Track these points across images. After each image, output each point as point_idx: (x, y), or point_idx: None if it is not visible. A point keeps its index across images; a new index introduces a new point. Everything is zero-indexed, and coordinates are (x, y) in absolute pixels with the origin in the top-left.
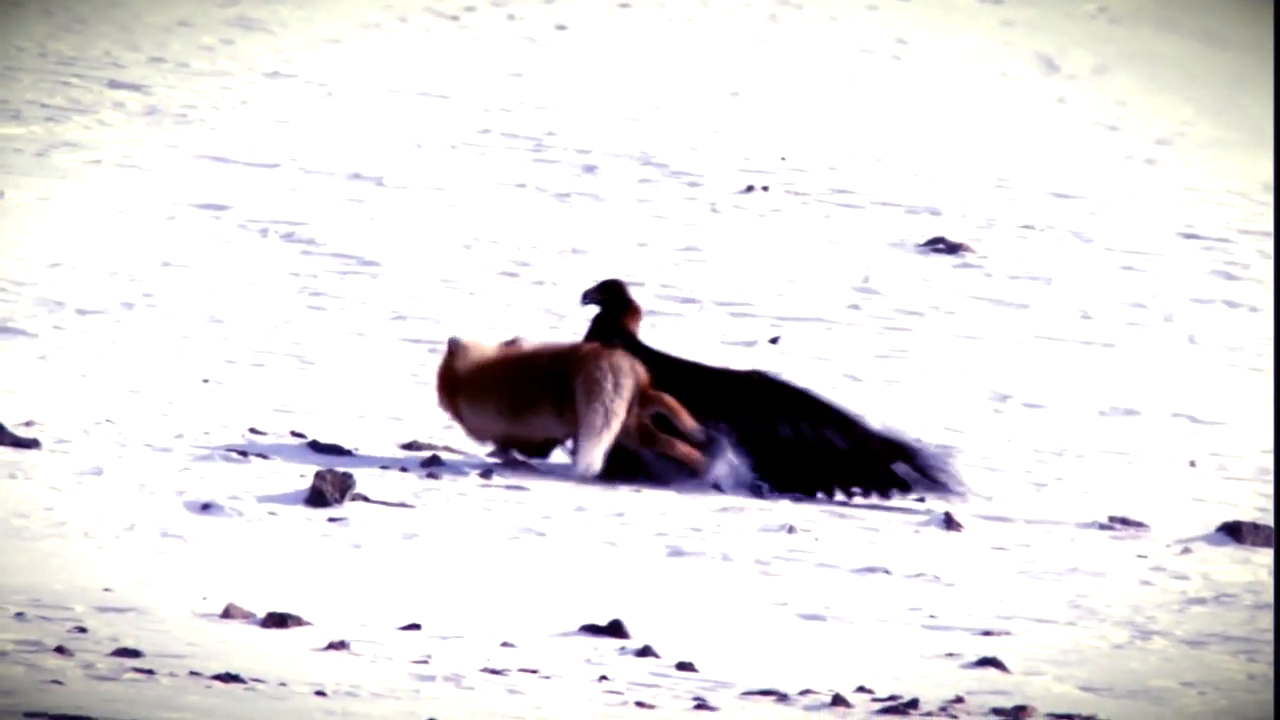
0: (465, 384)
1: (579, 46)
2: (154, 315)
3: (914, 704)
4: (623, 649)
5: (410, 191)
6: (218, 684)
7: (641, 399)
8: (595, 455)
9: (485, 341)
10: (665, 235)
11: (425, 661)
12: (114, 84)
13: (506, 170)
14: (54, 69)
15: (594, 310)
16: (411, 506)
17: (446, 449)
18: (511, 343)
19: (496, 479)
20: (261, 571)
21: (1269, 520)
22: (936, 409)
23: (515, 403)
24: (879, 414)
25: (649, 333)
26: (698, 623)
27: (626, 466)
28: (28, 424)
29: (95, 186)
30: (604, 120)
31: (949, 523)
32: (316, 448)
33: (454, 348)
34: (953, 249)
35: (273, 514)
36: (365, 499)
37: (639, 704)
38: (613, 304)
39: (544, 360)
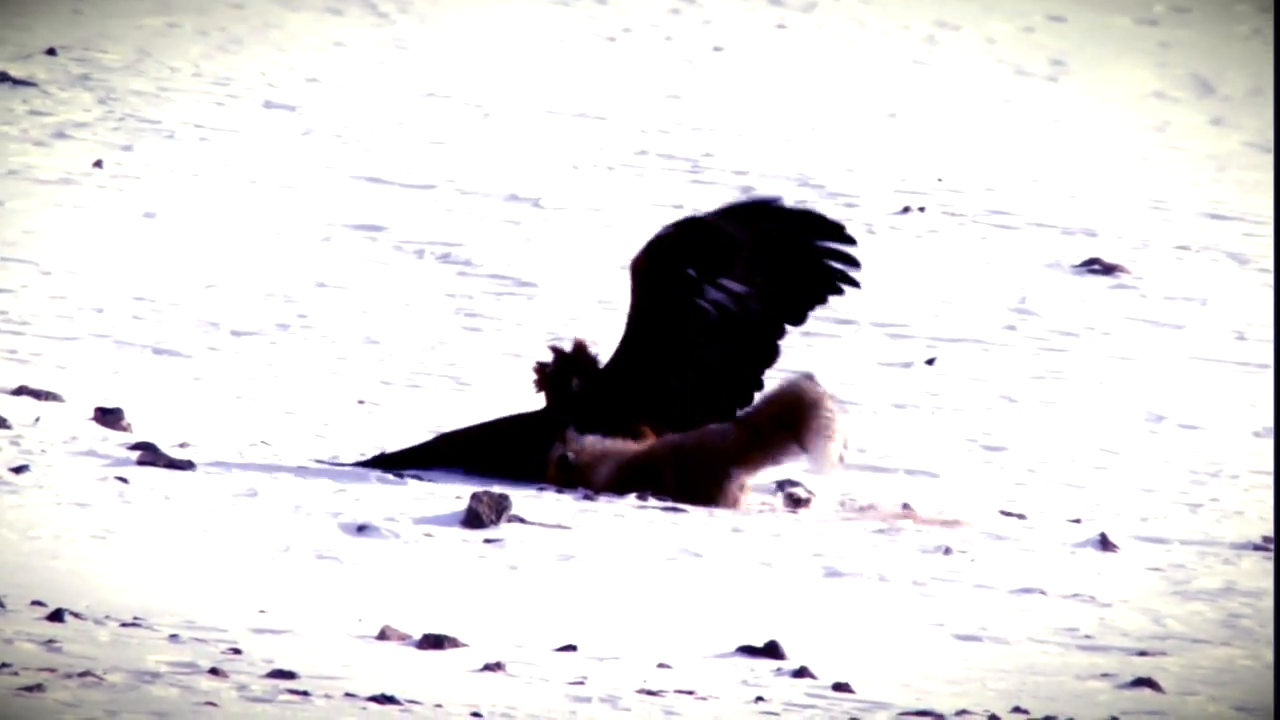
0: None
1: (736, 68)
2: (309, 336)
3: None
4: (779, 670)
5: (567, 213)
6: (373, 705)
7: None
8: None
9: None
10: None
11: (581, 683)
12: (269, 105)
13: (663, 191)
14: (208, 89)
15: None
16: (568, 528)
17: None
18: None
19: (653, 500)
20: (417, 593)
21: None
22: (1092, 430)
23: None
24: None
25: (806, 353)
26: (854, 643)
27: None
28: (182, 445)
29: (250, 207)
30: (761, 141)
31: (1104, 543)
32: (472, 469)
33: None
34: (1108, 270)
35: (429, 535)
36: (521, 520)
37: None
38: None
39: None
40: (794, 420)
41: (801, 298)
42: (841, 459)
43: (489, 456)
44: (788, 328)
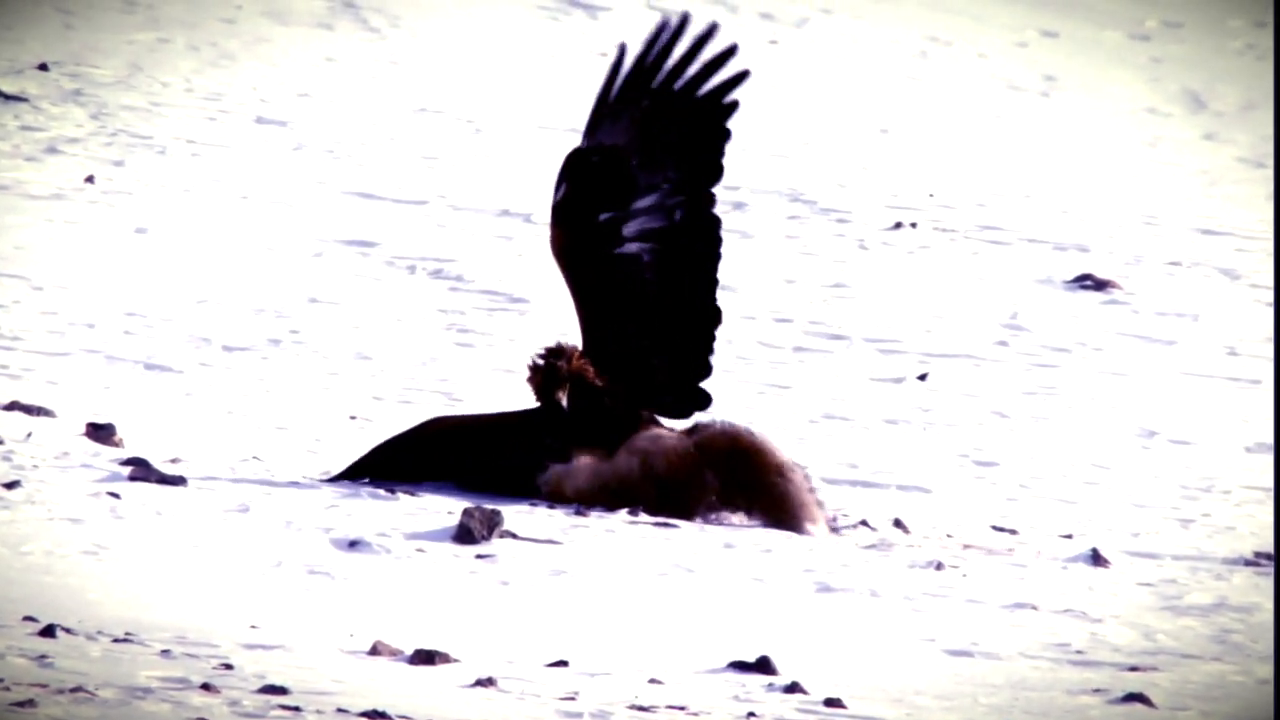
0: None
1: None
2: (301, 352)
3: None
4: (770, 685)
5: None
6: None
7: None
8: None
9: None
10: (813, 272)
11: (573, 698)
12: (261, 120)
13: None
14: (200, 105)
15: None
16: (559, 543)
17: None
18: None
19: (644, 516)
20: (409, 608)
21: None
22: (1084, 445)
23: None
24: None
25: (798, 368)
26: (846, 659)
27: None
28: (174, 461)
29: (242, 223)
30: (752, 157)
31: (1096, 558)
32: (464, 485)
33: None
34: (1100, 285)
35: (420, 551)
36: (513, 536)
37: None
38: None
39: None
40: (769, 506)
41: (707, 152)
42: (827, 528)
43: (475, 455)
44: (714, 193)
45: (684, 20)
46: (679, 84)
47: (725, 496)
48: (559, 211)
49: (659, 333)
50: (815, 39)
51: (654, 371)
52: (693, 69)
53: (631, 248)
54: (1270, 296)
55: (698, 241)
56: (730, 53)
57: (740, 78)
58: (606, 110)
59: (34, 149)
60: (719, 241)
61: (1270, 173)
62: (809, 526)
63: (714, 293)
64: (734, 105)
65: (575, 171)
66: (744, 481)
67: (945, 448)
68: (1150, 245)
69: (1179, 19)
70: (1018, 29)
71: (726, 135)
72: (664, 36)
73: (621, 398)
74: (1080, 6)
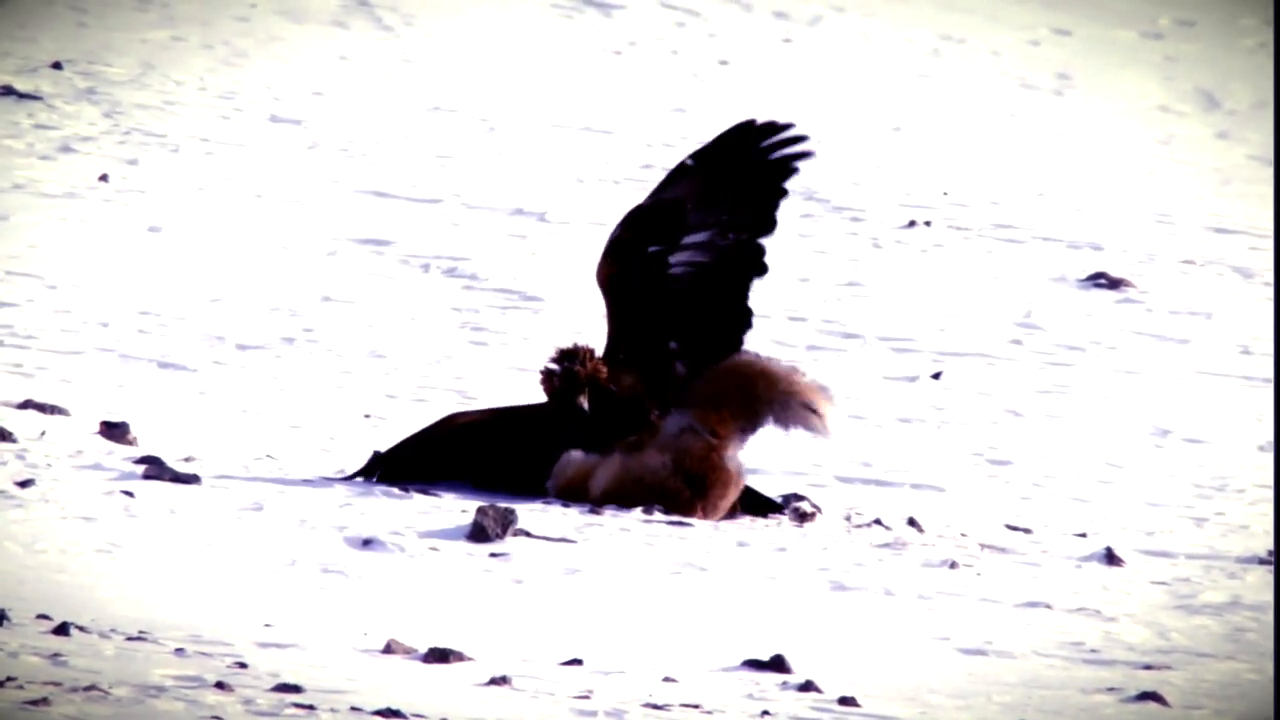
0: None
1: (742, 81)
2: (315, 350)
3: None
4: (785, 683)
5: (572, 226)
6: (379, 719)
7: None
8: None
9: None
10: (827, 270)
11: (587, 696)
12: (275, 118)
13: None
14: (214, 103)
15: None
16: (574, 542)
17: None
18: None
19: (658, 514)
20: (423, 607)
21: None
22: (1097, 444)
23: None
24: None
25: (811, 366)
26: (860, 657)
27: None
28: (187, 459)
29: (256, 221)
30: None
31: (1110, 557)
32: (478, 483)
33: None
34: (1114, 284)
35: (434, 549)
36: (527, 534)
37: None
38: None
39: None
40: (763, 399)
41: (763, 204)
42: (829, 420)
43: (495, 449)
44: (763, 242)
45: (771, 126)
46: (745, 158)
47: (749, 424)
48: (613, 246)
49: (689, 340)
50: (828, 37)
51: (676, 374)
52: (764, 143)
53: (675, 271)
54: None
55: (739, 265)
56: (802, 138)
57: (801, 155)
58: (679, 175)
59: (48, 147)
60: (763, 263)
61: None
62: (816, 408)
63: (746, 298)
64: (794, 169)
65: (634, 222)
66: (746, 405)
67: (959, 446)
68: (1164, 244)
69: (1192, 17)
70: (1031, 27)
71: (784, 193)
72: (750, 137)
73: (636, 394)
74: (1093, 5)
